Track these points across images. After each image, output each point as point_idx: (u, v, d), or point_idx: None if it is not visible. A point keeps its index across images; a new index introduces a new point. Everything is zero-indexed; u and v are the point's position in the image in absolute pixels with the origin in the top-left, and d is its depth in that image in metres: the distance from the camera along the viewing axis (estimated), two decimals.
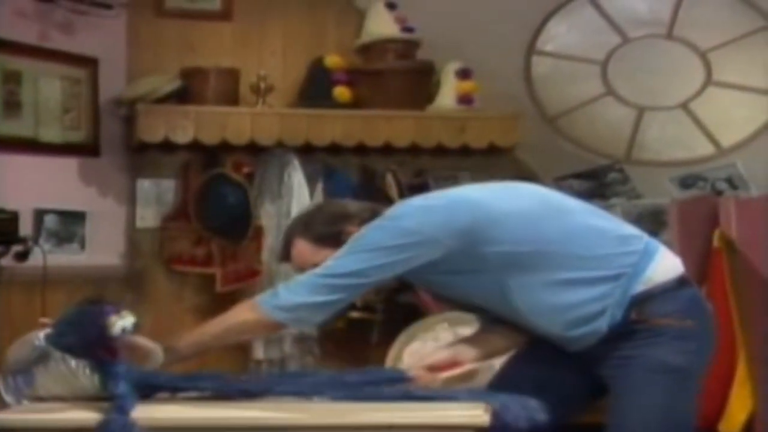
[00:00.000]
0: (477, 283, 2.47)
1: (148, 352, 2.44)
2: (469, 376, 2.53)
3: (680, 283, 2.49)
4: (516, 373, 2.60)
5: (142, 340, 2.43)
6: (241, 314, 2.50)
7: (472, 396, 2.38)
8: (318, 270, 2.45)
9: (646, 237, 2.58)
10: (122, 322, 2.35)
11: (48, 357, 2.35)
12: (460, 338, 2.77)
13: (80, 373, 2.32)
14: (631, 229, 2.60)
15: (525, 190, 2.63)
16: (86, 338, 2.32)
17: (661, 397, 2.41)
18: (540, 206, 2.52)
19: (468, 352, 2.55)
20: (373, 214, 2.52)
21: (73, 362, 2.33)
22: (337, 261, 2.43)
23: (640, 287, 2.44)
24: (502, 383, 2.56)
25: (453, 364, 2.53)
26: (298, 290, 2.43)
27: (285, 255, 2.63)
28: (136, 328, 2.38)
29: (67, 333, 2.34)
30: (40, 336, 2.36)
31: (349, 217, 2.55)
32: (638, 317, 2.43)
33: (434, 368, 2.52)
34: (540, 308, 2.45)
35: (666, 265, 2.51)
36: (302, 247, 2.56)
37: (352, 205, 2.65)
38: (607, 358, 2.44)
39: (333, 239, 2.50)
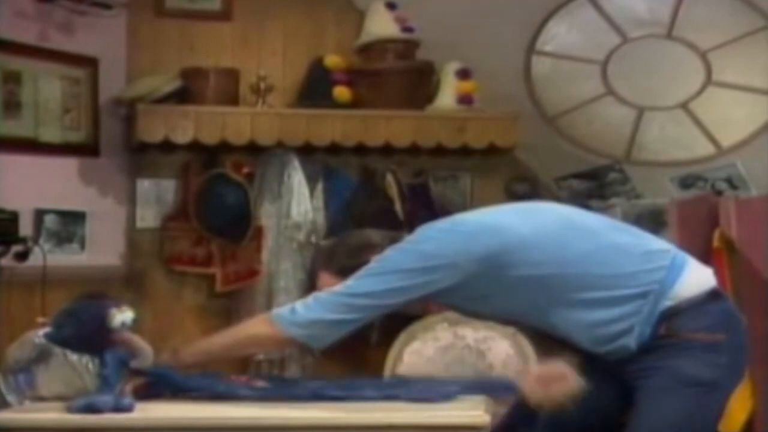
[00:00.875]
0: (507, 304, 2.47)
1: (140, 350, 2.46)
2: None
3: (711, 296, 2.47)
4: None
5: (136, 338, 2.46)
6: (255, 327, 2.53)
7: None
8: (337, 288, 2.47)
9: (674, 250, 2.55)
10: (122, 316, 2.37)
11: (49, 355, 2.35)
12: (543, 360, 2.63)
13: (82, 369, 2.33)
14: (658, 243, 2.58)
15: (547, 211, 2.61)
16: (85, 330, 2.34)
17: (681, 409, 2.39)
18: (561, 228, 2.50)
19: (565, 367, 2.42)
20: (395, 243, 2.54)
21: (74, 358, 2.33)
22: (356, 281, 2.45)
23: (668, 303, 2.41)
24: None
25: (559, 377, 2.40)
26: (314, 307, 2.45)
27: (311, 286, 2.68)
28: (135, 323, 2.40)
29: (66, 325, 2.35)
30: (40, 334, 2.37)
31: (373, 248, 2.55)
32: (667, 332, 2.41)
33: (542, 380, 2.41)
34: (569, 325, 2.43)
35: (695, 278, 2.48)
36: (326, 280, 2.57)
37: (375, 235, 2.65)
38: (635, 369, 2.43)
39: (356, 271, 2.49)
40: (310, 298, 2.49)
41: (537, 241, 2.44)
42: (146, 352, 2.47)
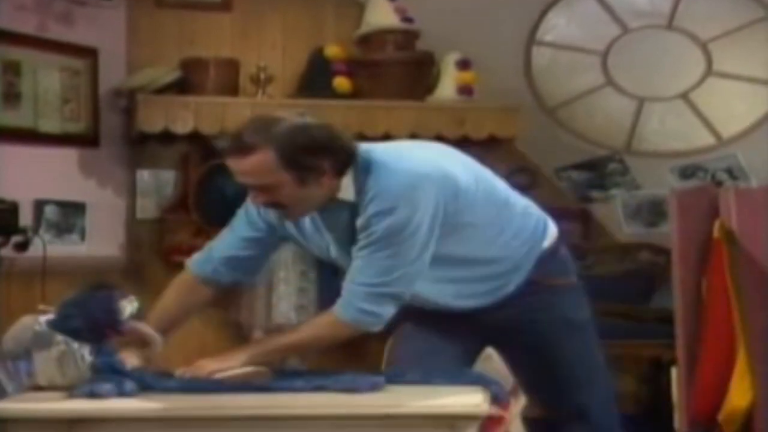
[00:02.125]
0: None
1: (150, 339, 2.47)
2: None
3: (559, 242, 2.68)
4: (414, 347, 2.68)
5: (146, 328, 2.47)
6: (331, 330, 2.50)
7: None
8: (388, 284, 2.42)
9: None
10: (130, 307, 2.38)
11: (49, 343, 2.35)
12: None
13: (78, 358, 2.33)
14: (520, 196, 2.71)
15: (467, 162, 2.64)
16: (94, 321, 2.34)
17: (585, 346, 2.67)
18: (482, 182, 2.59)
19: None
20: (348, 159, 2.40)
21: (75, 346, 2.34)
22: (395, 273, 2.42)
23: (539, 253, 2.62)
24: (402, 358, 2.66)
25: None
26: (387, 305, 2.44)
27: (237, 153, 2.38)
28: (140, 313, 2.41)
29: (74, 315, 2.35)
30: (41, 321, 2.37)
31: (331, 154, 2.38)
32: (538, 278, 2.60)
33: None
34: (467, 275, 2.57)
35: (552, 228, 2.69)
36: (266, 159, 2.34)
37: (336, 135, 2.44)
38: (513, 314, 2.59)
39: (304, 171, 2.36)
40: (366, 294, 2.42)
41: (474, 194, 2.52)
42: (156, 341, 2.48)
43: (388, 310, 2.45)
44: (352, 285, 2.44)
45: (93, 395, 2.25)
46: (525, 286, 2.59)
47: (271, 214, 2.56)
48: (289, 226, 2.57)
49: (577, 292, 2.70)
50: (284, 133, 2.35)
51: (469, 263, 2.55)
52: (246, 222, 2.63)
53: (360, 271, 2.43)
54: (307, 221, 2.54)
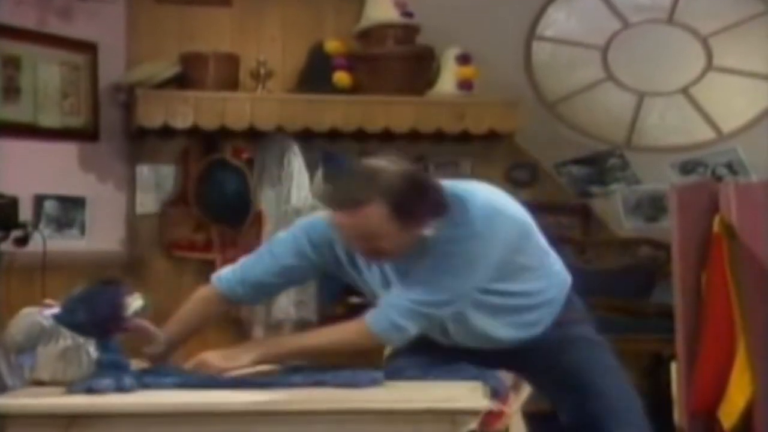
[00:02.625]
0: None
1: (152, 336, 2.48)
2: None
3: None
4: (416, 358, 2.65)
5: (148, 325, 2.47)
6: (354, 336, 2.50)
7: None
8: (426, 299, 2.44)
9: None
10: (135, 304, 2.38)
11: (55, 337, 2.35)
12: None
13: (83, 353, 2.33)
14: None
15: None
16: (99, 316, 2.35)
17: (606, 356, 2.69)
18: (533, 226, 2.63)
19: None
20: (444, 200, 2.43)
21: (80, 341, 2.34)
22: (445, 293, 2.45)
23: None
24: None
25: None
26: (418, 321, 2.45)
27: (347, 208, 2.37)
28: (145, 310, 2.42)
29: (79, 310, 2.35)
30: (46, 314, 2.37)
31: (432, 198, 2.41)
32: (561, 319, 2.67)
33: None
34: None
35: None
36: (378, 212, 2.34)
37: (431, 179, 2.47)
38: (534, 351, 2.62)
39: (411, 218, 2.37)
40: (407, 310, 2.43)
41: (533, 238, 2.60)
42: (159, 339, 2.49)
43: (416, 331, 2.47)
44: (397, 299, 2.45)
45: (91, 391, 2.25)
46: (550, 327, 2.64)
47: (338, 251, 2.56)
48: (347, 263, 2.58)
49: (591, 325, 2.74)
50: (392, 184, 2.35)
51: (516, 296, 2.59)
52: (293, 251, 2.60)
53: (413, 287, 2.43)
54: (360, 260, 2.55)
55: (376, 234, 2.37)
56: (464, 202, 2.44)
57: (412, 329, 2.46)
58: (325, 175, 2.40)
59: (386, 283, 2.54)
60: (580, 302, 2.74)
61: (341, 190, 2.39)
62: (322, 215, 2.59)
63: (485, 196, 2.50)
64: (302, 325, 4.25)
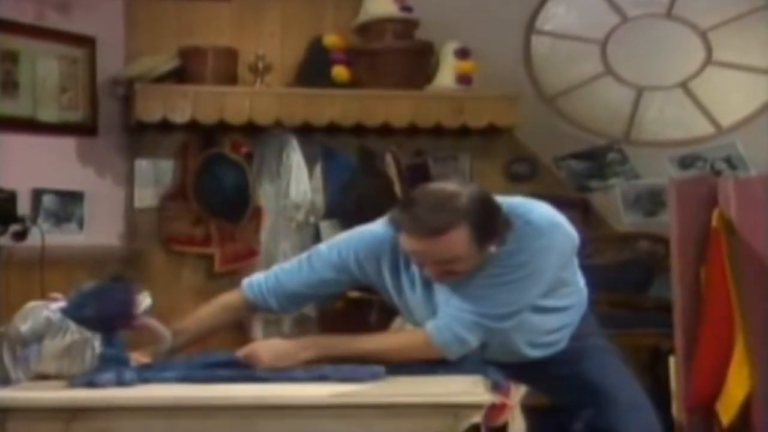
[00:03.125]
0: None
1: (159, 335, 2.48)
2: None
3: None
4: None
5: (156, 323, 2.48)
6: (418, 346, 2.50)
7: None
8: (482, 311, 2.46)
9: None
10: (145, 301, 2.39)
11: (63, 330, 2.35)
12: None
13: (88, 347, 2.33)
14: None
15: None
16: (108, 312, 2.35)
17: (616, 362, 2.74)
18: None
19: None
20: (509, 218, 2.47)
21: (87, 335, 2.34)
22: (502, 308, 2.48)
23: None
24: None
25: None
26: (478, 333, 2.48)
27: (430, 235, 2.38)
28: (151, 309, 2.42)
29: (88, 305, 2.36)
30: (53, 308, 2.37)
31: (502, 217, 2.45)
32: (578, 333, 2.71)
33: None
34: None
35: None
36: (461, 236, 2.38)
37: (494, 198, 2.51)
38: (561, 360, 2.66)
39: (489, 239, 2.42)
40: (471, 322, 2.46)
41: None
42: (165, 337, 2.49)
43: (477, 344, 2.49)
44: (459, 311, 2.46)
45: (92, 384, 2.26)
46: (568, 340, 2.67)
47: (384, 270, 2.57)
48: (390, 281, 2.58)
49: (603, 336, 2.78)
50: (471, 207, 2.39)
51: (550, 311, 2.61)
52: (336, 265, 2.61)
53: (476, 300, 2.45)
54: (405, 278, 2.57)
55: (457, 257, 2.41)
56: (523, 217, 2.47)
57: (474, 342, 2.47)
58: (402, 204, 2.39)
59: (428, 302, 2.55)
60: (591, 314, 2.76)
61: (424, 218, 2.38)
62: (371, 230, 2.60)
63: (542, 210, 2.53)
64: (302, 320, 4.25)
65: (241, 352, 2.48)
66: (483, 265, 2.46)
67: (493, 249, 2.44)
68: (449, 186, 2.46)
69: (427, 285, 2.55)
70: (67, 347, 2.34)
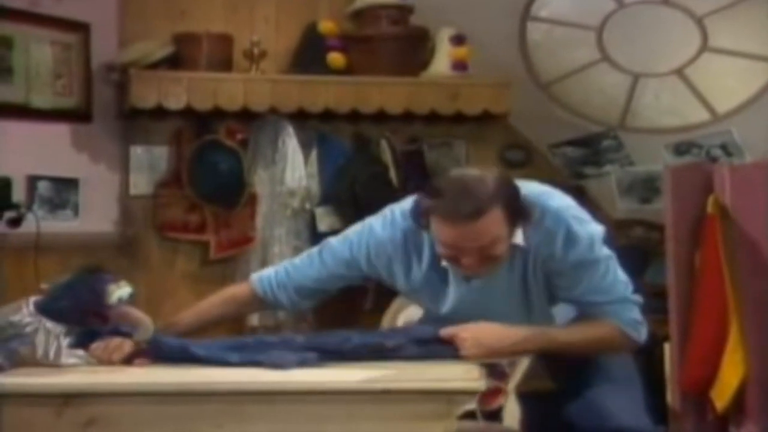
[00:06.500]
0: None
1: (138, 323, 2.47)
2: None
3: None
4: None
5: (134, 311, 2.47)
6: (611, 335, 2.59)
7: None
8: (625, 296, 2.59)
9: None
10: (120, 291, 2.38)
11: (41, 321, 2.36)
12: None
13: (54, 339, 2.34)
14: None
15: None
16: (80, 304, 2.35)
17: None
18: None
19: None
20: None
21: (49, 326, 2.34)
22: (622, 290, 2.60)
23: None
24: None
25: None
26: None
27: (469, 218, 2.40)
28: (132, 298, 2.41)
29: (62, 298, 2.36)
30: (31, 302, 2.37)
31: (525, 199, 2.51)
32: None
33: None
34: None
35: None
36: (498, 217, 2.42)
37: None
38: None
39: (519, 219, 2.47)
40: (633, 302, 2.60)
41: None
42: (145, 325, 2.48)
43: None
44: (615, 300, 2.56)
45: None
46: None
47: (395, 268, 2.61)
48: (402, 277, 2.62)
49: None
50: (500, 188, 2.42)
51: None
52: (347, 261, 2.65)
53: (609, 289, 2.56)
54: (420, 274, 2.60)
55: (495, 239, 2.43)
56: (549, 210, 2.53)
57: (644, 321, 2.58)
58: (430, 193, 2.42)
59: (441, 294, 2.59)
60: None
61: (459, 205, 2.40)
62: (383, 224, 2.61)
63: (560, 196, 2.61)
64: (298, 311, 4.24)
65: (464, 332, 2.49)
66: (578, 273, 2.54)
67: (520, 231, 2.49)
68: (471, 171, 2.51)
69: (442, 278, 2.58)
70: (42, 339, 2.34)
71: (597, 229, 2.59)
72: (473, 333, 2.48)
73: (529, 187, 2.55)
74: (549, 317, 2.66)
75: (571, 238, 2.51)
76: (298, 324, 4.26)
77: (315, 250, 2.70)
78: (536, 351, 2.52)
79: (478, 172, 2.47)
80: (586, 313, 2.59)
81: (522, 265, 2.56)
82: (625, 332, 2.57)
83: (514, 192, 2.46)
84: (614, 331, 2.57)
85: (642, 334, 2.59)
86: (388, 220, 2.62)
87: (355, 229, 2.69)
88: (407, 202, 2.61)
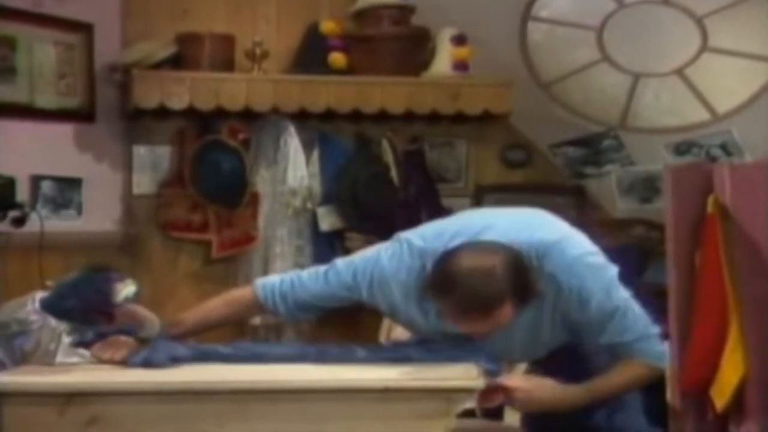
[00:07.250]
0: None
1: (144, 321, 2.48)
2: None
3: None
4: None
5: (141, 309, 2.49)
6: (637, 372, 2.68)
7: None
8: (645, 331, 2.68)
9: None
10: (126, 290, 2.39)
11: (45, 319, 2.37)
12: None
13: (55, 337, 2.35)
14: None
15: None
16: (87, 303, 2.36)
17: None
18: None
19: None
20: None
21: (53, 322, 2.35)
22: (638, 318, 2.70)
23: None
24: None
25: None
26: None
27: (480, 314, 2.45)
28: (137, 296, 2.43)
29: (68, 296, 2.37)
30: (37, 299, 2.38)
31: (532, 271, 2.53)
32: None
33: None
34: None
35: None
36: (508, 308, 2.47)
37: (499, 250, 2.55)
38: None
39: (528, 299, 2.51)
40: (655, 335, 2.70)
41: None
42: (152, 322, 2.50)
43: None
44: (638, 336, 2.66)
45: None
46: None
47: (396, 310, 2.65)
48: (398, 307, 2.64)
49: None
50: (510, 277, 2.44)
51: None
52: (349, 287, 2.67)
53: (633, 326, 2.66)
54: (425, 324, 2.61)
55: (504, 321, 2.48)
56: (560, 260, 2.59)
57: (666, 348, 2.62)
58: (437, 287, 2.44)
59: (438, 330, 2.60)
60: None
61: (470, 302, 2.42)
62: (389, 258, 2.62)
63: (575, 249, 2.65)
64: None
65: (508, 382, 2.54)
66: (600, 323, 2.61)
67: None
68: (481, 259, 2.45)
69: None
70: (44, 337, 2.35)
71: (611, 274, 2.64)
72: (529, 391, 2.55)
73: (544, 234, 2.58)
74: (557, 343, 2.68)
75: (584, 297, 2.56)
76: (299, 323, 4.27)
77: (322, 268, 2.72)
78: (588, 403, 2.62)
79: (487, 259, 2.43)
80: (616, 354, 2.64)
81: (532, 313, 2.58)
82: (655, 367, 2.65)
83: (523, 273, 2.47)
84: (646, 368, 2.66)
85: (667, 362, 2.65)
86: (396, 253, 2.61)
87: (363, 255, 2.72)
88: (419, 235, 2.62)
